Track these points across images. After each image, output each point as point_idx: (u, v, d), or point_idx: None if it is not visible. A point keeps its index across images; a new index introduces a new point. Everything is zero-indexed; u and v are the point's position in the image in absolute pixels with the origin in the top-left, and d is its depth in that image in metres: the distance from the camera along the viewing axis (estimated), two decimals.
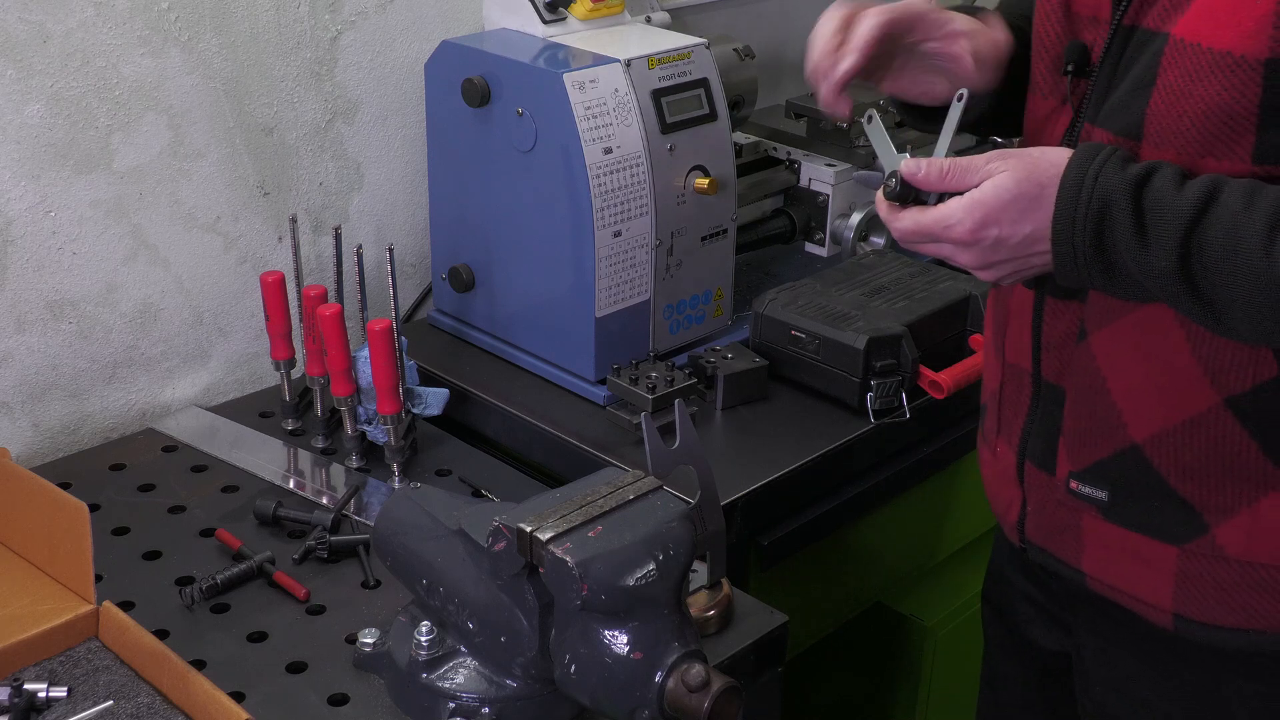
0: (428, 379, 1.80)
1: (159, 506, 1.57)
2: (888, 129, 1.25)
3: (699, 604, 1.34)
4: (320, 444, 1.70)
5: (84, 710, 1.21)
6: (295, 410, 1.74)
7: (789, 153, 2.10)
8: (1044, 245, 1.12)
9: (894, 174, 1.16)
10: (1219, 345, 1.13)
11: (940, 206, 1.13)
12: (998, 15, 1.31)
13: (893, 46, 1.25)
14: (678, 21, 2.04)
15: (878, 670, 2.07)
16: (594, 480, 1.20)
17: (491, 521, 1.15)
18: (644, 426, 1.29)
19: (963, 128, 1.23)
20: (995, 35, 1.28)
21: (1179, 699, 1.29)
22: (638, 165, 1.69)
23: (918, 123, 1.35)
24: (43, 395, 1.68)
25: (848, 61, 1.20)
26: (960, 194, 1.12)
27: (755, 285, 2.01)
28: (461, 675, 1.21)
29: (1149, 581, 1.24)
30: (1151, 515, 1.22)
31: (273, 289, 1.63)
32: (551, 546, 1.09)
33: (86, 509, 1.30)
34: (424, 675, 1.21)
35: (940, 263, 1.94)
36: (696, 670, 1.08)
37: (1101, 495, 1.24)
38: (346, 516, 1.53)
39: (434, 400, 1.68)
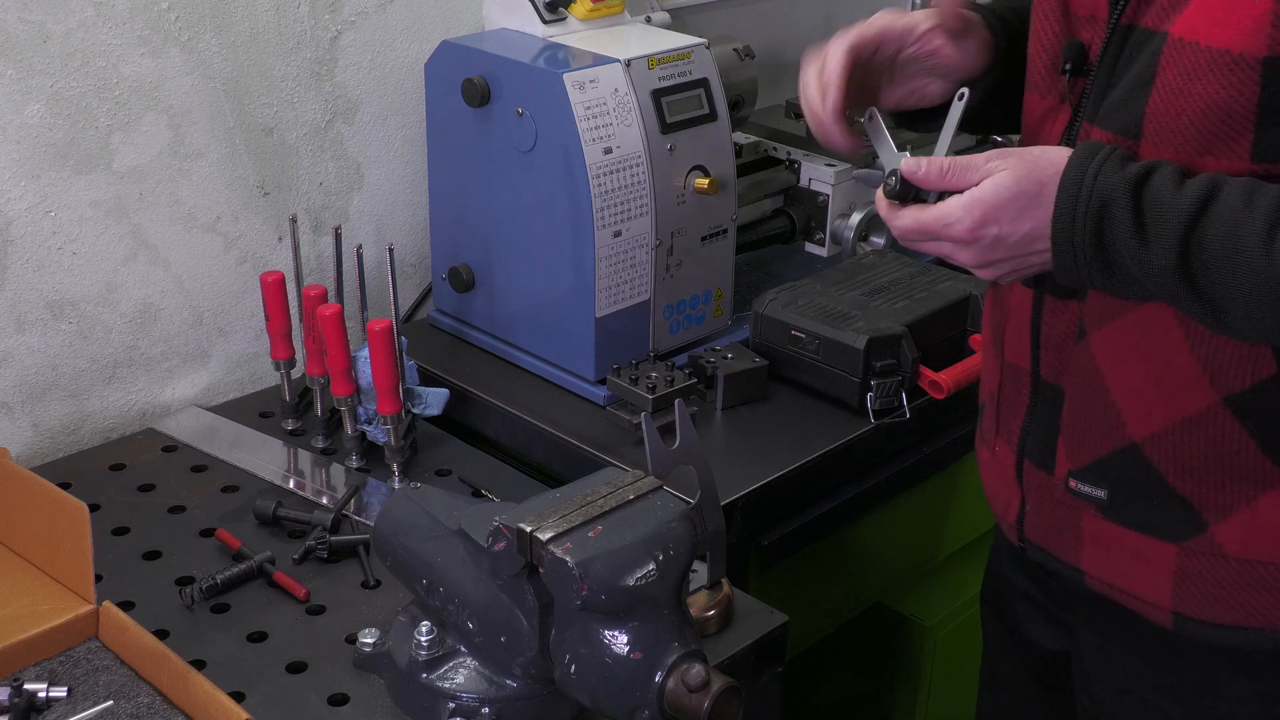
0: (428, 379, 1.80)
1: (159, 506, 1.57)
2: (888, 128, 1.25)
3: (699, 604, 1.34)
4: (320, 444, 1.70)
5: (84, 710, 1.21)
6: (295, 410, 1.74)
7: (789, 153, 2.10)
8: (1043, 244, 1.12)
9: (894, 172, 1.16)
10: (1218, 344, 1.13)
11: (940, 205, 1.13)
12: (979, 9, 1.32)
13: (873, 67, 1.27)
14: (678, 21, 2.04)
15: (878, 670, 2.07)
16: (594, 480, 1.20)
17: (491, 521, 1.15)
18: (644, 426, 1.29)
19: (963, 125, 1.23)
20: (962, 13, 1.28)
21: (1178, 697, 1.29)
22: (638, 165, 1.69)
23: (919, 125, 1.36)
24: (43, 395, 1.68)
25: (829, 99, 1.22)
26: (960, 192, 1.13)
27: (755, 285, 2.01)
28: (461, 675, 1.21)
29: (1148, 580, 1.24)
30: (1150, 514, 1.22)
31: (273, 289, 1.63)
32: (551, 546, 1.09)
33: (86, 509, 1.30)
34: (424, 675, 1.21)
35: (941, 262, 1.94)
36: (696, 670, 1.08)
37: (1100, 494, 1.24)
38: (346, 516, 1.53)
39: (434, 400, 1.68)
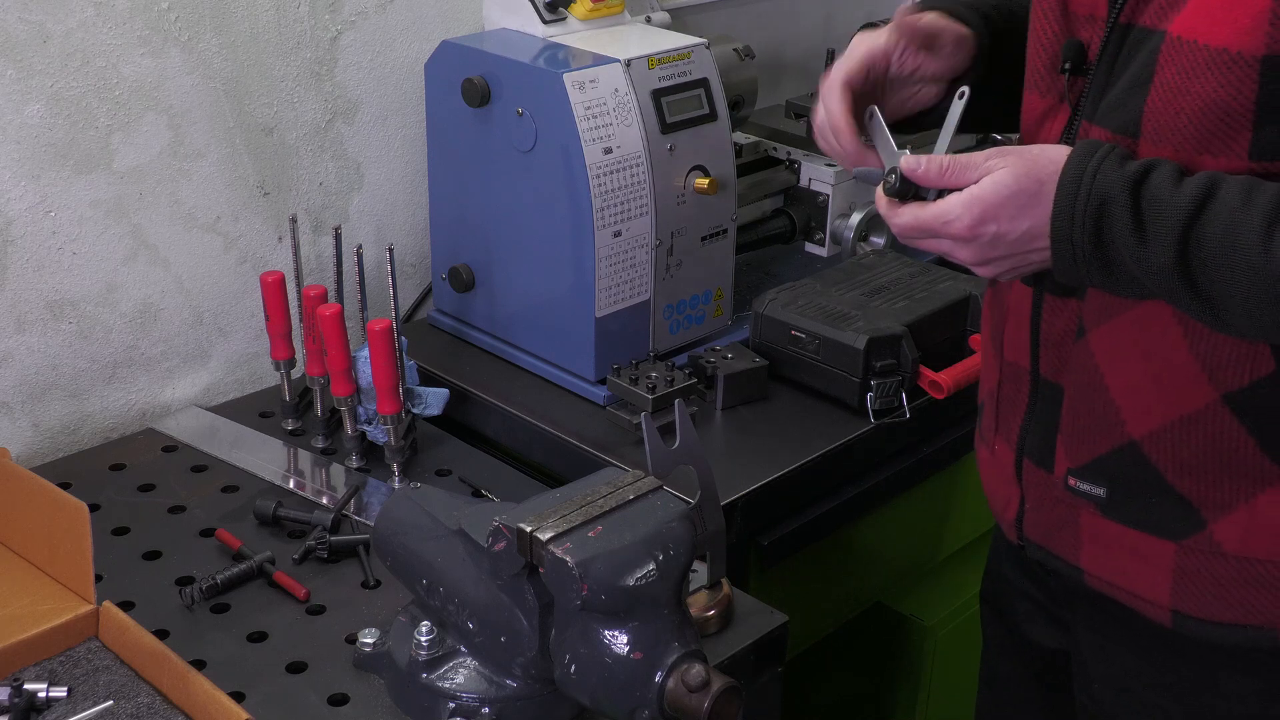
0: (428, 379, 1.80)
1: (159, 506, 1.57)
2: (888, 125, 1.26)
3: (699, 604, 1.34)
4: (320, 444, 1.70)
5: (84, 710, 1.21)
6: (295, 410, 1.74)
7: (789, 153, 2.10)
8: (1042, 242, 1.12)
9: (894, 170, 1.17)
10: (1216, 342, 1.14)
11: (939, 202, 1.14)
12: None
13: (868, 90, 1.27)
14: (678, 21, 2.04)
15: (878, 670, 2.07)
16: (594, 480, 1.20)
17: (491, 521, 1.15)
18: (644, 426, 1.29)
19: (961, 123, 1.23)
20: (923, 26, 1.29)
21: (1177, 695, 1.30)
22: (638, 165, 1.69)
23: (919, 126, 1.36)
24: (43, 395, 1.68)
25: (845, 140, 1.24)
26: (959, 190, 1.13)
27: (755, 285, 2.01)
28: (461, 675, 1.21)
29: (1147, 578, 1.24)
30: (1149, 512, 1.22)
31: (273, 289, 1.63)
32: (551, 546, 1.09)
33: (86, 509, 1.30)
34: (424, 675, 1.21)
35: (941, 262, 1.95)
36: (696, 670, 1.08)
37: (1099, 492, 1.25)
38: (346, 516, 1.53)
39: (434, 400, 1.68)
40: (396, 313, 1.62)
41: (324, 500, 1.58)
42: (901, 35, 1.26)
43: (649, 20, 1.94)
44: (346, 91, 1.87)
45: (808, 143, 2.10)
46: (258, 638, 1.35)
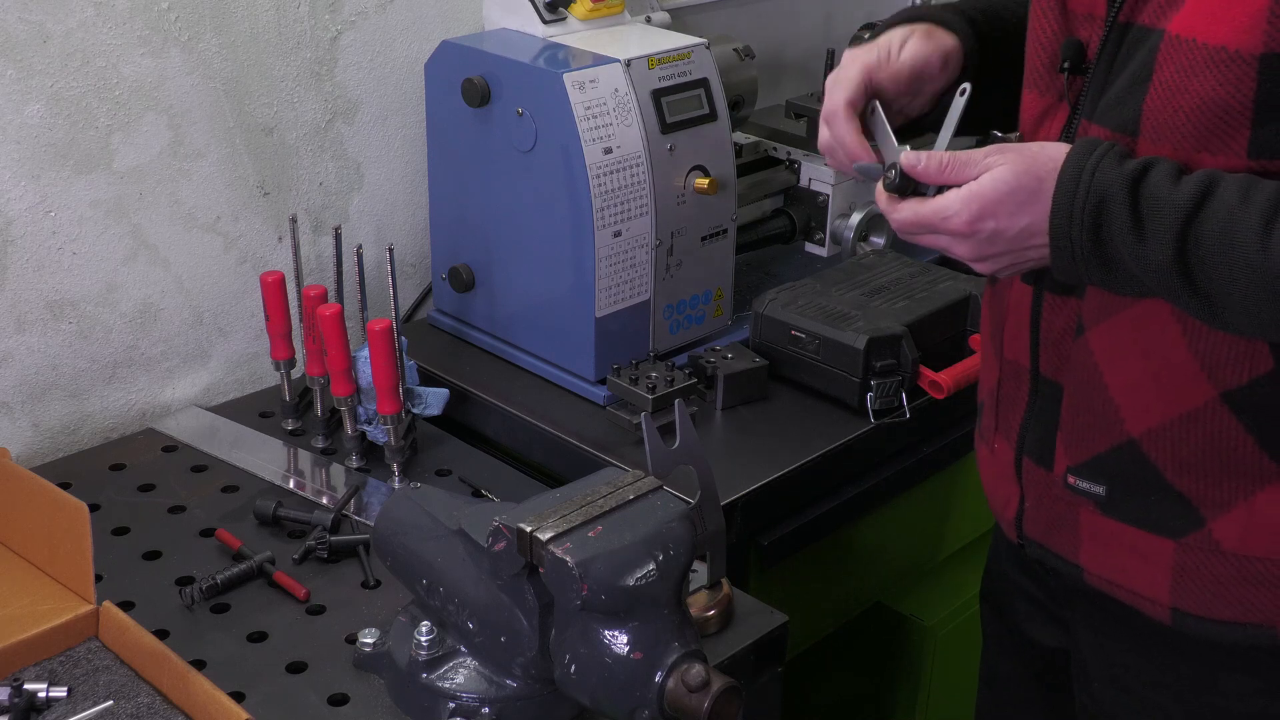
0: (428, 379, 1.80)
1: (159, 506, 1.57)
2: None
3: (699, 604, 1.34)
4: (320, 444, 1.70)
5: (84, 710, 1.21)
6: (295, 410, 1.74)
7: (789, 153, 2.10)
8: (1041, 239, 1.13)
9: (894, 165, 1.17)
10: (1215, 340, 1.14)
11: (938, 198, 1.14)
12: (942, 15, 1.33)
13: (870, 98, 1.28)
14: (678, 21, 2.04)
15: (878, 670, 2.07)
16: (594, 480, 1.20)
17: (491, 521, 1.15)
18: (644, 426, 1.29)
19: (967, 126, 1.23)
20: (918, 46, 1.29)
21: (1176, 694, 1.30)
22: (638, 165, 1.69)
23: (921, 130, 1.36)
24: (43, 395, 1.68)
25: (861, 157, 1.25)
26: (959, 186, 1.13)
27: (755, 285, 2.01)
28: (461, 675, 1.21)
29: (1146, 576, 1.25)
30: (1149, 510, 1.22)
31: (273, 289, 1.63)
32: (551, 546, 1.09)
33: (86, 509, 1.30)
34: (424, 675, 1.21)
35: (942, 261, 1.95)
36: (696, 670, 1.08)
37: (1099, 490, 1.25)
38: (346, 516, 1.53)
39: (434, 400, 1.68)
40: (396, 313, 1.62)
41: (324, 500, 1.58)
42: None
43: (649, 20, 1.94)
44: (346, 91, 1.87)
45: (808, 143, 2.10)
46: (258, 638, 1.35)
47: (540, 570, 1.11)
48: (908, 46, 1.28)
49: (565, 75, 1.64)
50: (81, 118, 1.61)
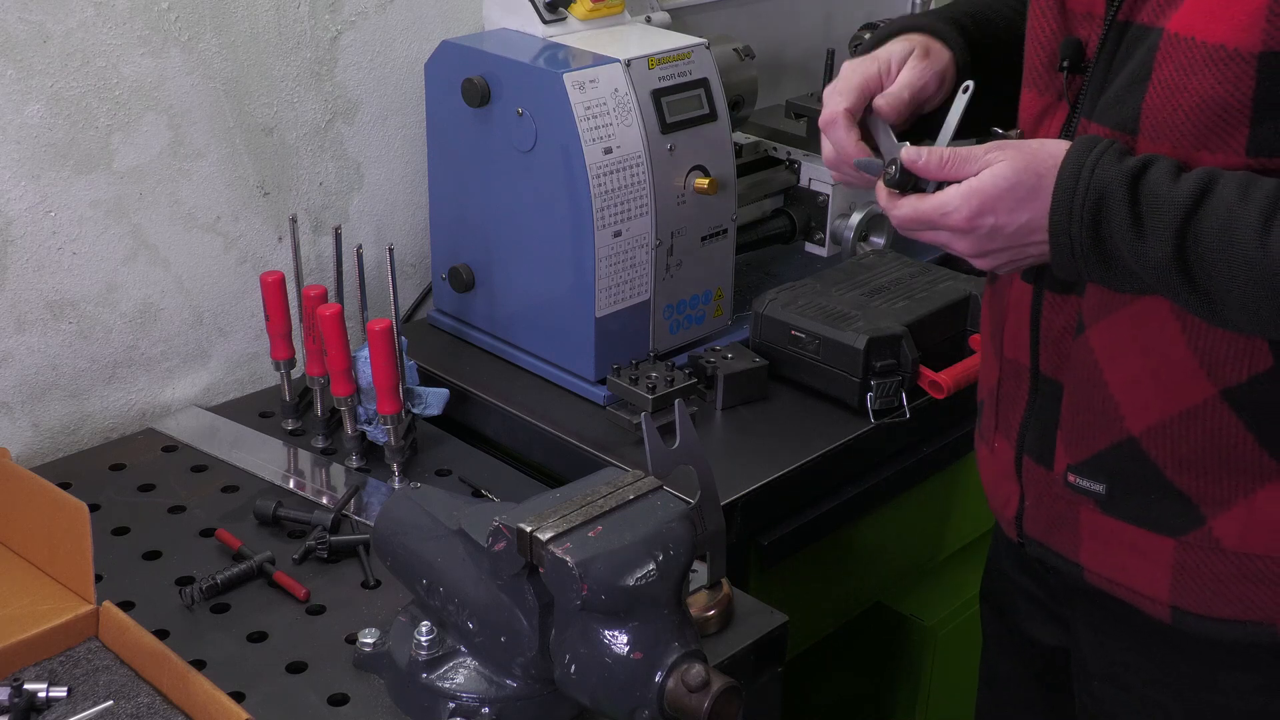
0: (428, 379, 1.80)
1: (159, 506, 1.57)
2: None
3: (699, 604, 1.34)
4: (320, 444, 1.70)
5: (84, 710, 1.21)
6: (295, 410, 1.74)
7: (789, 153, 2.10)
8: (1040, 235, 1.13)
9: (894, 161, 1.17)
10: (1215, 337, 1.14)
11: (938, 194, 1.15)
12: (933, 26, 1.32)
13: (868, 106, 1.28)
14: (678, 21, 2.04)
15: (878, 670, 2.07)
16: (594, 480, 1.20)
17: (491, 521, 1.15)
18: (644, 426, 1.29)
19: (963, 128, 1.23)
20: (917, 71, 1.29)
21: (1176, 692, 1.30)
22: (638, 165, 1.69)
23: (921, 131, 1.36)
24: (43, 395, 1.68)
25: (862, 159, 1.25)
26: (959, 182, 1.14)
27: (755, 285, 2.01)
28: (461, 675, 1.21)
29: (1146, 574, 1.25)
30: (1149, 508, 1.22)
31: (273, 289, 1.63)
32: (551, 546, 1.09)
33: (86, 509, 1.30)
34: (424, 675, 1.21)
35: (942, 261, 1.95)
36: (696, 670, 1.08)
37: (1099, 488, 1.25)
38: (346, 516, 1.53)
39: (434, 400, 1.68)
40: (396, 313, 1.62)
41: (324, 500, 1.58)
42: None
43: (649, 20, 1.94)
44: (346, 91, 1.87)
45: (808, 143, 2.10)
46: (258, 638, 1.35)
47: (540, 570, 1.11)
48: (906, 69, 1.27)
49: (565, 75, 1.64)
50: (81, 118, 1.61)
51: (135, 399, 1.77)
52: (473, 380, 1.82)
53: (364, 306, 1.68)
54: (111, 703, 1.22)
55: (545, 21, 1.80)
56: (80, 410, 1.72)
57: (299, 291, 1.66)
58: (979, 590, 1.61)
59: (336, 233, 1.68)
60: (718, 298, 1.85)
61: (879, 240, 2.08)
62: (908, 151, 1.16)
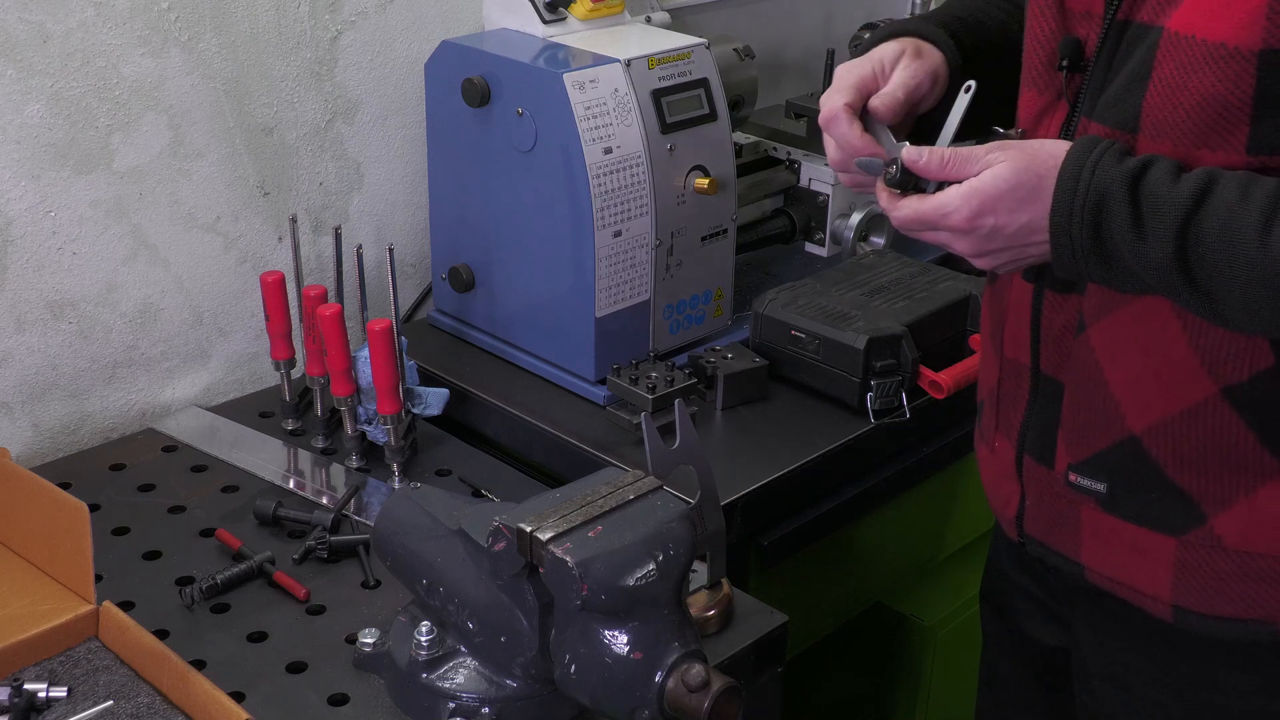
0: (428, 379, 1.80)
1: (159, 506, 1.57)
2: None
3: (699, 604, 1.34)
4: (320, 444, 1.70)
5: (84, 710, 1.21)
6: (295, 410, 1.74)
7: (789, 153, 2.10)
8: (1040, 236, 1.13)
9: (895, 161, 1.17)
10: (1216, 336, 1.14)
11: (939, 195, 1.15)
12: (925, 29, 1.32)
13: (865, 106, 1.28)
14: (678, 21, 2.04)
15: (878, 670, 2.07)
16: (594, 480, 1.20)
17: (491, 521, 1.15)
18: (644, 426, 1.29)
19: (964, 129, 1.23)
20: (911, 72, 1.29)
21: (1176, 692, 1.30)
22: (638, 165, 1.69)
23: (923, 131, 1.36)
24: (43, 395, 1.68)
25: (865, 152, 1.24)
26: (960, 183, 1.14)
27: (755, 285, 2.01)
28: (461, 675, 1.21)
29: (1148, 573, 1.25)
30: (1150, 507, 1.23)
31: (273, 289, 1.63)
32: (551, 546, 1.09)
33: (86, 509, 1.30)
34: (424, 675, 1.21)
35: (942, 261, 1.95)
36: (696, 670, 1.08)
37: (1100, 487, 1.25)
38: (346, 516, 1.53)
39: (434, 400, 1.68)
40: (396, 313, 1.62)
41: (324, 500, 1.58)
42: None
43: (649, 20, 1.94)
44: (346, 91, 1.87)
45: (808, 143, 2.11)
46: (258, 638, 1.35)
47: (540, 570, 1.11)
48: (899, 70, 1.27)
49: (565, 75, 1.64)
50: (81, 118, 1.61)
51: (135, 399, 1.77)
52: (473, 380, 1.82)
53: (364, 306, 1.68)
54: (111, 703, 1.22)
55: (545, 21, 1.80)
56: (80, 410, 1.72)
57: (299, 291, 1.66)
58: (979, 590, 1.61)
59: (336, 233, 1.68)
60: (718, 298, 1.85)
61: (879, 240, 2.08)
62: (909, 151, 1.17)
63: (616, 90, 1.68)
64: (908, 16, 2.22)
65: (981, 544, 1.71)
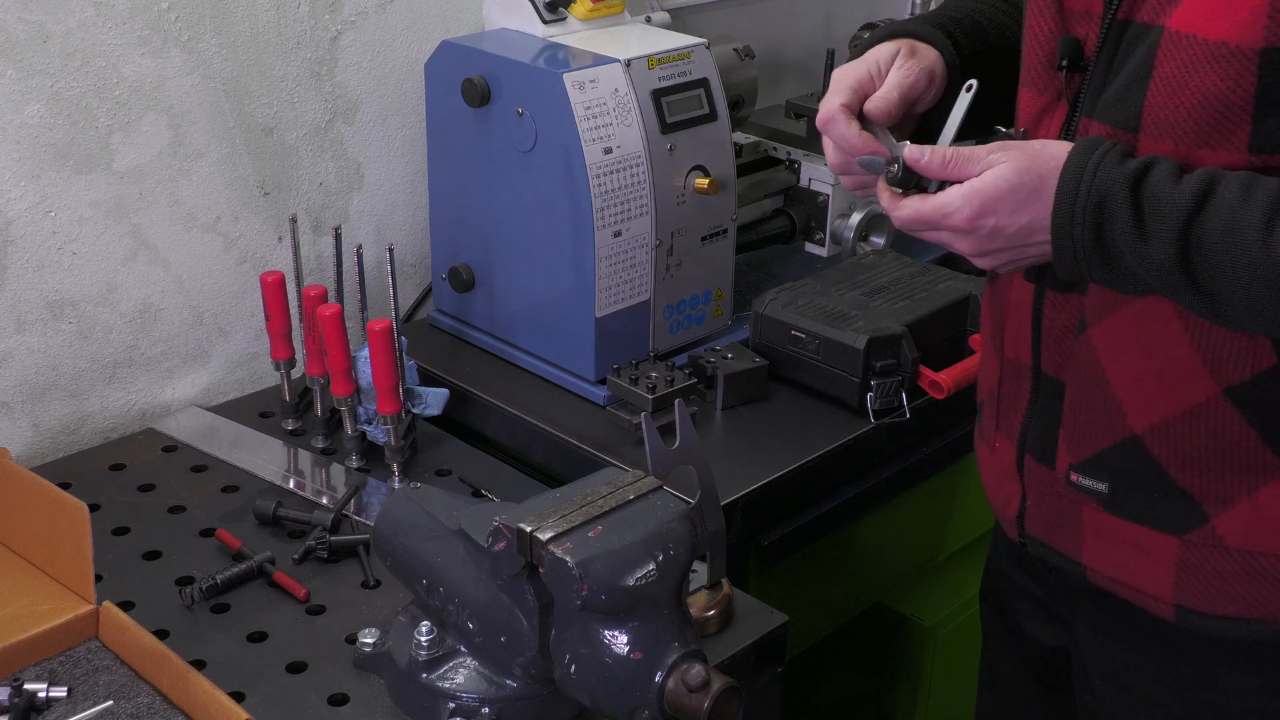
0: (428, 379, 1.80)
1: (159, 506, 1.57)
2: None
3: (699, 604, 1.34)
4: (320, 444, 1.70)
5: (84, 710, 1.21)
6: (295, 410, 1.74)
7: (789, 153, 2.10)
8: (1041, 236, 1.13)
9: (896, 160, 1.17)
10: (1218, 335, 1.14)
11: (940, 194, 1.15)
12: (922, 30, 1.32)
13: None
14: (678, 21, 2.04)
15: (878, 670, 2.07)
16: (594, 480, 1.20)
17: (491, 521, 1.15)
18: (644, 426, 1.29)
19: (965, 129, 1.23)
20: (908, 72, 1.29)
21: (1177, 691, 1.30)
22: (638, 165, 1.69)
23: (923, 131, 1.36)
24: (43, 395, 1.68)
25: (864, 151, 1.24)
26: (961, 182, 1.14)
27: (755, 285, 2.01)
28: (461, 675, 1.21)
29: (1149, 572, 1.25)
30: (1151, 506, 1.23)
31: (273, 289, 1.63)
32: (551, 546, 1.09)
33: (86, 509, 1.30)
34: (424, 675, 1.21)
35: (942, 260, 1.95)
36: (696, 670, 1.08)
37: (1102, 487, 1.25)
38: (346, 516, 1.53)
39: (434, 400, 1.68)
40: (396, 313, 1.62)
41: (324, 500, 1.58)
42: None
43: (649, 20, 1.94)
44: (346, 91, 1.87)
45: (808, 143, 2.10)
46: (258, 638, 1.35)
47: (540, 570, 1.11)
48: (895, 70, 1.27)
49: (565, 75, 1.64)
50: (81, 118, 1.61)
51: (135, 399, 1.77)
52: (473, 380, 1.82)
53: (364, 306, 1.68)
54: (111, 703, 1.22)
55: (545, 21, 1.80)
56: (80, 410, 1.72)
57: (299, 291, 1.66)
58: (979, 590, 1.61)
59: (336, 233, 1.68)
60: (718, 298, 1.85)
61: (879, 240, 2.08)
62: (910, 150, 1.17)
63: (616, 90, 1.68)
64: (907, 16, 2.23)
65: (981, 544, 1.71)
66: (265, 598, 1.41)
